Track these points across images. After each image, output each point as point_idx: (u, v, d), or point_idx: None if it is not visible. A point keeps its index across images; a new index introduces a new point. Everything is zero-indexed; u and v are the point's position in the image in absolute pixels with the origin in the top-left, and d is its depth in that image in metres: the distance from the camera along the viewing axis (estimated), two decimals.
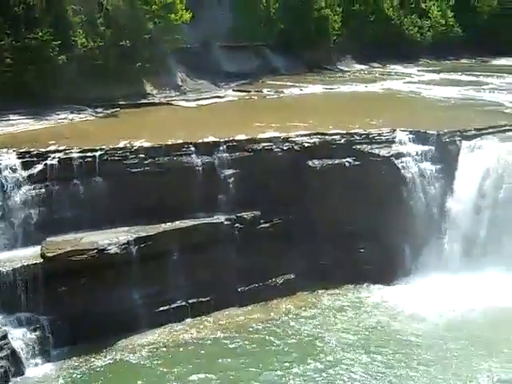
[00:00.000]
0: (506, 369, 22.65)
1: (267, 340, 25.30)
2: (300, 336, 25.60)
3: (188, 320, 26.55)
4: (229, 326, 26.35)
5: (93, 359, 23.64)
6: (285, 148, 29.97)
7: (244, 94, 45.88)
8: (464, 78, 57.44)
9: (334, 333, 25.66)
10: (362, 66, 64.87)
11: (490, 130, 32.75)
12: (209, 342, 25.17)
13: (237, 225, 28.23)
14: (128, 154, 27.43)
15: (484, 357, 23.57)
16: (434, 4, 75.78)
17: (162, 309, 26.20)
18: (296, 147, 30.17)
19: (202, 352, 24.40)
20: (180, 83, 44.76)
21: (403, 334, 25.60)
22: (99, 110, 36.95)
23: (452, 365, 23.24)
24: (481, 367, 22.92)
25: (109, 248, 24.86)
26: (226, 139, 29.37)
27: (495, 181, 30.35)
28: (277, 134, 30.58)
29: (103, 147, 27.29)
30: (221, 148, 28.97)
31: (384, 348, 24.56)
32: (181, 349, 24.70)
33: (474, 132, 32.23)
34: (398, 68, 65.52)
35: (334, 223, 29.26)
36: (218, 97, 44.15)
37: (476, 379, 22.26)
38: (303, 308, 27.99)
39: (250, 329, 26.18)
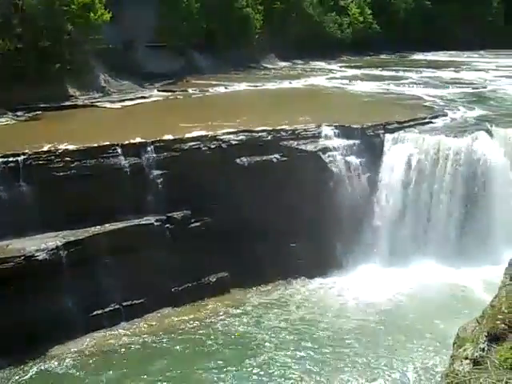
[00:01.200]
0: (431, 358, 23.33)
1: (199, 340, 25.20)
2: (233, 335, 25.59)
3: (123, 323, 26.22)
4: (161, 328, 26.12)
5: (20, 371, 22.90)
6: (212, 146, 29.98)
7: (169, 93, 45.63)
8: (384, 73, 59.02)
9: (266, 330, 25.76)
10: (286, 63, 65.69)
11: (411, 123, 33.85)
12: (139, 346, 24.80)
13: (167, 225, 28.11)
14: (53, 157, 26.77)
15: (413, 347, 24.24)
16: (352, 1, 77.52)
17: (95, 313, 25.79)
18: (223, 145, 30.23)
19: (133, 357, 24.05)
20: (103, 84, 44.06)
21: (334, 329, 25.95)
22: (20, 113, 35.93)
23: (383, 356, 23.74)
24: (410, 357, 23.56)
25: (37, 254, 24.26)
26: (153, 139, 29.11)
27: (418, 171, 31.37)
28: (204, 133, 30.53)
29: (26, 151, 26.54)
30: (148, 148, 28.69)
31: (316, 343, 24.82)
32: (111, 355, 24.23)
33: (396, 125, 33.20)
34: (321, 64, 66.71)
35: (265, 219, 29.44)
36: (143, 97, 43.71)
37: (406, 368, 22.87)
38: (236, 306, 28.04)
39: (183, 330, 26.05)
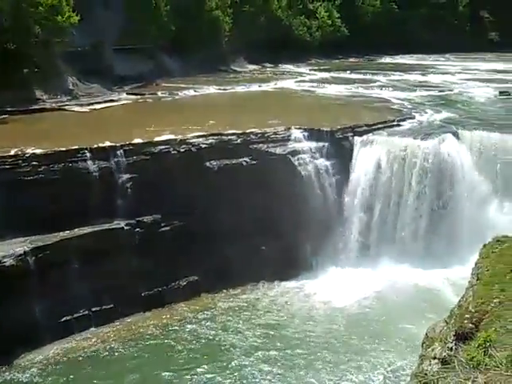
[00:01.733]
0: (399, 359, 23.43)
1: (167, 346, 25.07)
2: (202, 340, 25.47)
3: (92, 329, 26.07)
4: (130, 334, 25.97)
5: None
6: (182, 150, 29.89)
7: (138, 97, 45.38)
8: (353, 76, 59.39)
9: (235, 335, 25.70)
10: (255, 66, 65.77)
11: (380, 126, 34.20)
12: (106, 352, 24.61)
13: (137, 229, 27.95)
14: (20, 161, 26.47)
15: (381, 349, 24.40)
16: (320, 5, 77.94)
17: (64, 320, 25.54)
18: (193, 149, 30.17)
19: (99, 364, 23.87)
20: (71, 87, 43.58)
21: (303, 332, 25.99)
22: None
23: (352, 359, 23.82)
24: (379, 359, 23.72)
25: (4, 260, 23.94)
26: (123, 143, 28.94)
27: (387, 174, 31.67)
28: (173, 137, 30.43)
29: None
30: (117, 152, 28.51)
31: (285, 348, 24.79)
32: (77, 362, 24.04)
33: (365, 128, 33.49)
34: (290, 67, 66.96)
35: (235, 223, 29.43)
36: (112, 100, 43.38)
37: (375, 370, 23.05)
38: (205, 310, 27.96)
39: (151, 335, 25.91)
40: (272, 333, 25.94)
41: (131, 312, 27.09)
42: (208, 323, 26.78)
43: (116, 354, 24.53)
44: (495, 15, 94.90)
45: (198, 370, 23.26)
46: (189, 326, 26.55)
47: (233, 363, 23.63)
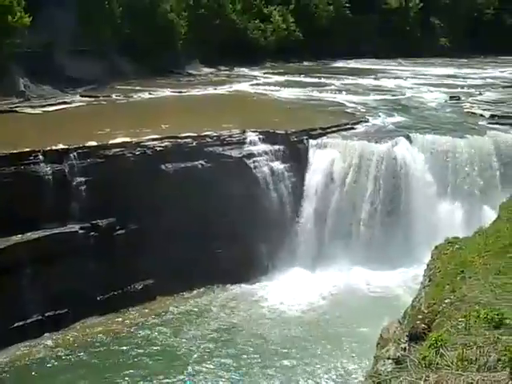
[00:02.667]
0: (354, 362, 23.73)
1: (119, 352, 24.75)
2: (155, 346, 25.17)
3: (46, 335, 25.66)
4: (82, 339, 25.62)
5: None
6: (137, 153, 29.70)
7: (92, 99, 44.80)
8: (307, 79, 59.84)
9: (190, 340, 25.49)
10: (210, 70, 65.61)
11: (334, 129, 34.65)
12: (56, 359, 24.13)
13: (92, 233, 27.65)
14: None
15: (336, 352, 24.55)
16: (275, 9, 78.30)
17: (16, 325, 25.07)
18: (148, 151, 30.00)
19: (48, 371, 23.42)
20: (23, 89, 42.79)
21: (257, 336, 25.93)
22: None
23: (307, 363, 23.87)
24: (333, 362, 23.84)
25: None
26: (76, 146, 28.59)
27: (341, 176, 32.08)
28: (128, 140, 30.22)
29: None
30: (71, 155, 28.14)
31: (239, 352, 24.70)
32: (26, 369, 23.54)
33: (319, 131, 33.89)
34: (245, 71, 67.04)
35: (191, 226, 29.37)
36: (65, 103, 42.74)
37: (329, 373, 23.20)
38: (160, 314, 27.80)
39: (104, 340, 25.58)
40: (226, 338, 25.82)
41: (86, 317, 26.79)
42: (161, 328, 26.53)
43: (66, 361, 24.09)
44: (445, 21, 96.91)
45: (150, 377, 22.93)
46: (142, 332, 26.27)
47: (189, 370, 23.33)
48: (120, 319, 27.31)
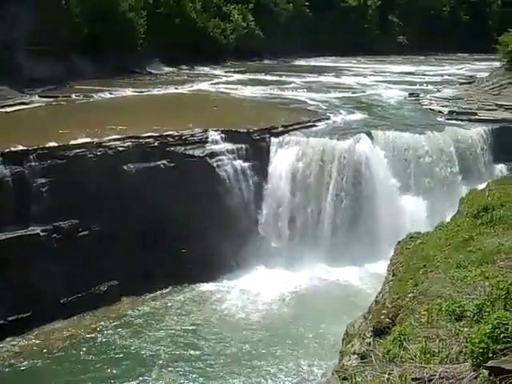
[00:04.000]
0: (320, 361, 23.45)
1: (80, 357, 24.25)
2: (117, 350, 24.72)
3: (8, 339, 25.13)
4: (42, 344, 24.97)
5: None
6: (98, 153, 29.44)
7: (51, 99, 44.14)
8: (268, 77, 60.08)
9: (152, 343, 25.09)
10: (171, 69, 65.37)
11: (296, 127, 34.82)
12: (9, 368, 23.39)
13: (54, 235, 27.28)
14: None
15: (300, 351, 24.37)
16: (234, 8, 78.38)
17: None
18: (110, 152, 29.77)
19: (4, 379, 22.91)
20: None
21: (219, 338, 25.62)
22: None
23: (271, 364, 23.67)
24: (297, 362, 23.71)
25: None
26: (36, 147, 28.21)
27: (304, 174, 32.28)
28: (89, 140, 29.91)
29: None
30: (31, 156, 27.76)
31: (200, 355, 24.39)
32: None
33: (281, 129, 34.02)
34: (206, 70, 66.99)
35: (155, 226, 29.24)
36: (24, 103, 41.99)
37: (293, 374, 23.14)
38: (123, 317, 27.38)
39: (65, 345, 25.03)
40: (189, 340, 25.42)
41: (50, 320, 26.37)
42: (123, 331, 26.09)
43: (23, 367, 23.47)
44: (403, 19, 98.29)
45: (111, 383, 22.54)
46: (104, 335, 25.79)
47: (150, 377, 22.89)
48: (83, 322, 26.85)
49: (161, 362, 23.85)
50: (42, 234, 26.91)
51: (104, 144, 29.89)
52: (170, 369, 23.46)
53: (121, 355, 24.42)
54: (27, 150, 27.93)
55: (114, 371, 23.33)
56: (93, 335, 25.89)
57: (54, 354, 24.46)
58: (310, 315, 27.16)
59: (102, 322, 26.92)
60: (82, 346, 25.02)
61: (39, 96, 44.96)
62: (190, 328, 26.55)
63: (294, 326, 26.50)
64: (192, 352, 24.65)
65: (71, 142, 29.40)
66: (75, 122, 35.66)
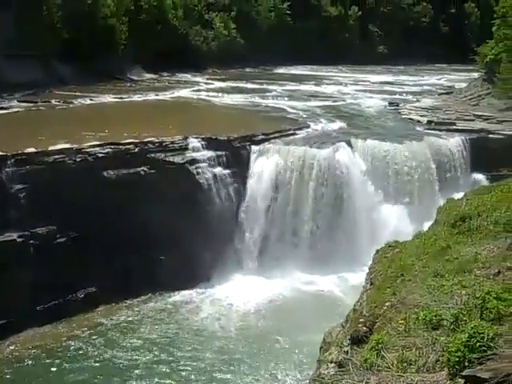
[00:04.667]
0: (297, 371, 23.34)
1: (54, 366, 23.81)
2: (92, 359, 24.30)
3: None
4: (17, 353, 24.58)
5: None
6: (78, 159, 29.24)
7: (31, 104, 43.78)
8: (250, 85, 60.23)
9: (127, 352, 24.77)
10: (152, 76, 65.27)
11: (277, 135, 34.93)
12: None
13: (31, 241, 26.99)
14: None
15: (277, 364, 24.06)
16: (216, 15, 78.55)
17: None
18: (89, 158, 29.59)
19: None
20: None
21: (194, 350, 25.27)
22: None
23: (246, 374, 23.48)
24: (273, 373, 23.51)
25: None
26: (14, 153, 27.94)
27: (284, 182, 32.34)
28: (69, 146, 29.72)
29: None
30: (8, 162, 27.50)
31: (175, 364, 24.07)
32: None
33: (262, 136, 34.08)
34: (187, 77, 66.97)
35: (134, 233, 29.04)
36: (2, 108, 41.63)
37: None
38: (100, 324, 27.09)
39: (38, 354, 24.47)
40: (165, 350, 25.09)
41: (26, 328, 26.02)
42: (98, 340, 25.72)
43: None
44: (383, 29, 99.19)
45: None
46: (78, 344, 25.39)
47: None
48: (58, 330, 26.48)
49: (135, 372, 23.49)
50: (18, 240, 26.58)
51: (83, 150, 29.69)
52: (143, 380, 23.07)
53: (94, 364, 24.02)
54: (5, 155, 27.65)
55: (86, 381, 22.94)
56: (66, 344, 25.46)
57: (25, 363, 24.04)
58: (289, 325, 26.85)
59: (77, 331, 26.51)
60: (55, 355, 24.58)
61: (18, 101, 44.62)
62: (166, 337, 26.23)
63: (270, 336, 26.19)
64: (167, 364, 24.20)
65: (50, 148, 29.17)
66: (54, 127, 35.45)
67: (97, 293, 28.58)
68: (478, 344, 6.19)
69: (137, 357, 24.53)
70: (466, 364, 6.08)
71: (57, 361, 24.24)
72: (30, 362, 24.17)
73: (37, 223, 27.29)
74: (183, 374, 23.63)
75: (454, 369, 6.16)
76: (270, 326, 27.26)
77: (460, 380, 5.95)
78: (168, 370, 23.77)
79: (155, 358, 24.50)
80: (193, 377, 23.43)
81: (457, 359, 6.18)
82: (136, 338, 26.06)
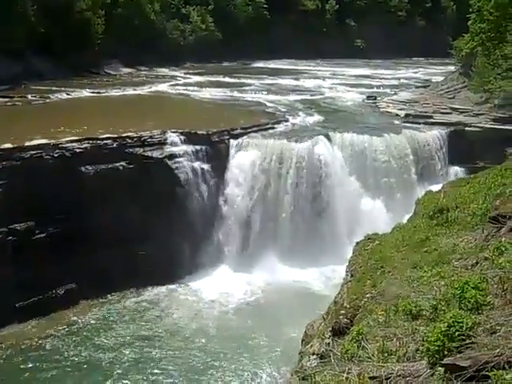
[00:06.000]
0: (278, 367, 23.31)
1: (29, 366, 23.52)
2: (72, 357, 24.07)
3: None
4: None
5: None
6: (55, 155, 29.00)
7: (6, 100, 43.19)
8: (227, 79, 60.10)
9: (107, 350, 24.56)
10: (130, 70, 64.84)
11: (255, 128, 34.99)
12: None
13: (10, 237, 26.75)
14: None
15: (259, 356, 24.19)
16: (193, 9, 78.20)
17: None
18: (67, 153, 29.35)
19: None
20: None
21: (173, 345, 25.21)
22: None
23: (229, 370, 23.41)
24: (256, 369, 23.49)
25: None
26: None
27: (263, 175, 32.39)
28: (46, 141, 29.44)
29: None
30: None
31: (154, 363, 23.89)
32: None
33: (240, 130, 34.11)
34: (165, 71, 66.65)
35: (113, 228, 28.83)
36: None
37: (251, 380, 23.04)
38: (75, 324, 26.86)
39: (12, 354, 24.22)
40: (145, 349, 24.83)
41: (5, 324, 25.83)
42: (75, 338, 25.50)
43: None
44: (360, 23, 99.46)
45: None
46: (54, 342, 25.17)
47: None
48: (35, 328, 26.23)
49: (113, 371, 23.25)
50: None
51: (61, 145, 29.44)
52: (120, 379, 22.88)
53: (69, 363, 23.75)
54: None
55: (59, 380, 22.72)
56: (42, 342, 25.25)
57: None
58: (270, 320, 26.78)
59: (54, 328, 26.29)
60: (30, 354, 24.32)
61: None
62: (147, 334, 26.07)
63: (251, 334, 26.02)
64: (147, 363, 23.95)
65: (27, 144, 28.89)
66: (31, 123, 35.13)
67: (77, 289, 28.46)
68: (456, 333, 6.28)
69: (114, 355, 24.33)
70: (446, 353, 6.17)
71: (31, 359, 23.97)
72: (3, 362, 23.88)
73: (15, 219, 27.04)
74: (164, 370, 23.50)
75: (434, 358, 6.25)
76: (251, 322, 27.12)
77: (440, 368, 6.04)
78: (147, 367, 23.63)
79: (133, 356, 24.32)
80: (172, 374, 23.22)
81: (436, 348, 6.26)
82: (114, 336, 25.85)
